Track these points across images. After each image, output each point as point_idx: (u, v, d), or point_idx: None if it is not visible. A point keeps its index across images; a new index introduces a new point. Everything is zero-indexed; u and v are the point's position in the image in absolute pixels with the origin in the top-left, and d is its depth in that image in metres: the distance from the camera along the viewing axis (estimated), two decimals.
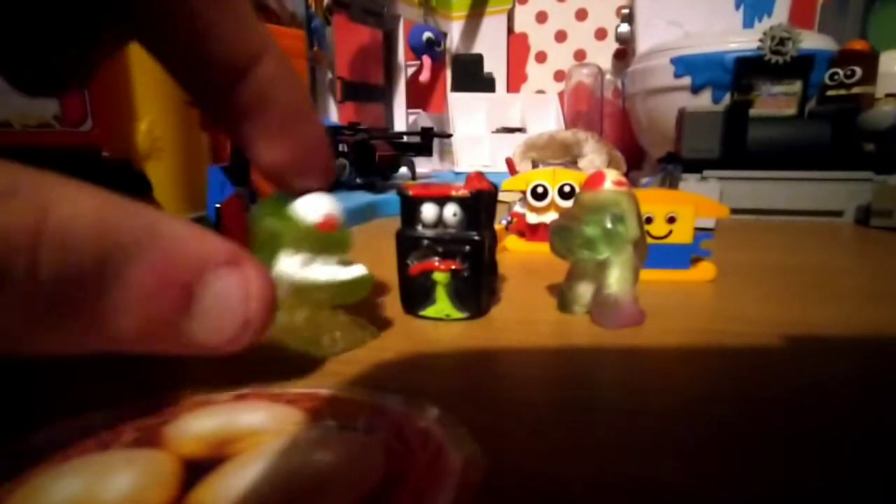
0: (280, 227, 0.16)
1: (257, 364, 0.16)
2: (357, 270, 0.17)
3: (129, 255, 0.09)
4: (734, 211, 0.31)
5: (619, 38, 0.96)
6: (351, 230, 0.18)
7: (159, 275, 0.10)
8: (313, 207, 0.16)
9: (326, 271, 0.16)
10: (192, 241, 0.10)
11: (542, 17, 1.17)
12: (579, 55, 1.15)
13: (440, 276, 0.20)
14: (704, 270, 0.26)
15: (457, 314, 0.20)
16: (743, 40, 0.64)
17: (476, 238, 0.19)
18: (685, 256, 0.26)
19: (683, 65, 0.69)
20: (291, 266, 0.16)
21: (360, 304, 0.22)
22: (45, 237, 0.08)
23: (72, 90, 0.16)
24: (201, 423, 0.12)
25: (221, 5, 0.13)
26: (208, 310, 0.10)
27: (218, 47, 0.14)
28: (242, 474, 0.10)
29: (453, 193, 0.19)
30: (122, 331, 0.10)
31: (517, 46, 1.19)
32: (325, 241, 0.16)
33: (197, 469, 0.10)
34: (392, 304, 0.21)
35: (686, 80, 0.68)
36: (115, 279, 0.09)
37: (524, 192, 0.33)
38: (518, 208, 0.36)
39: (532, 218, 0.34)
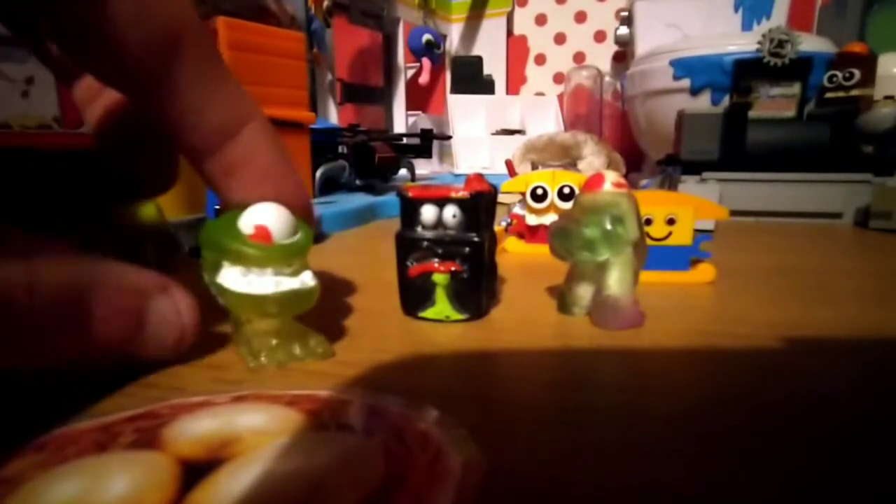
0: (218, 239, 0.15)
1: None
2: (289, 283, 0.16)
3: (91, 293, 0.13)
4: (733, 213, 0.31)
5: (619, 41, 0.96)
6: (304, 242, 0.16)
7: (111, 304, 0.13)
8: (250, 219, 0.16)
9: (259, 283, 0.15)
10: (132, 277, 0.14)
11: (541, 20, 1.17)
12: (578, 57, 1.15)
13: (440, 278, 0.20)
14: (704, 272, 0.26)
15: (456, 315, 0.20)
16: (742, 42, 0.64)
17: (476, 239, 0.19)
18: (685, 258, 0.26)
19: (682, 67, 0.69)
20: (229, 278, 0.15)
21: (359, 304, 0.22)
22: (38, 291, 0.12)
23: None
24: (200, 424, 0.12)
25: (212, 85, 0.16)
26: (155, 327, 0.14)
27: (206, 120, 0.16)
28: (241, 476, 0.10)
29: (453, 195, 0.19)
30: (95, 346, 0.13)
31: (516, 48, 1.19)
32: (259, 253, 0.15)
33: (195, 471, 0.10)
34: (391, 305, 0.21)
35: (685, 83, 0.69)
36: (85, 310, 0.13)
37: (523, 194, 0.33)
38: (517, 210, 0.36)
39: (531, 219, 0.34)
